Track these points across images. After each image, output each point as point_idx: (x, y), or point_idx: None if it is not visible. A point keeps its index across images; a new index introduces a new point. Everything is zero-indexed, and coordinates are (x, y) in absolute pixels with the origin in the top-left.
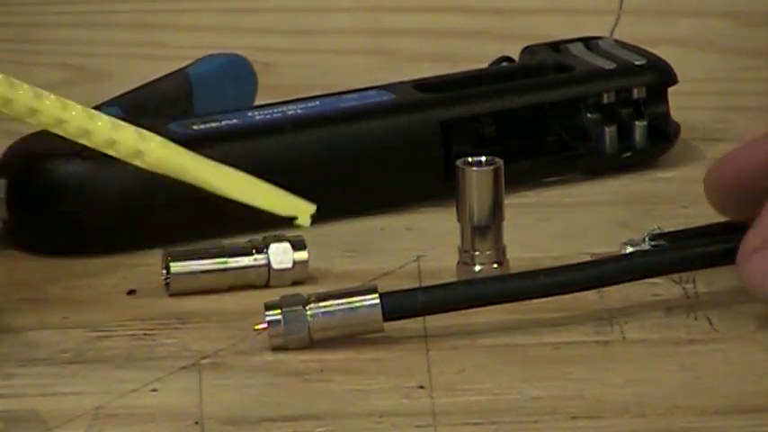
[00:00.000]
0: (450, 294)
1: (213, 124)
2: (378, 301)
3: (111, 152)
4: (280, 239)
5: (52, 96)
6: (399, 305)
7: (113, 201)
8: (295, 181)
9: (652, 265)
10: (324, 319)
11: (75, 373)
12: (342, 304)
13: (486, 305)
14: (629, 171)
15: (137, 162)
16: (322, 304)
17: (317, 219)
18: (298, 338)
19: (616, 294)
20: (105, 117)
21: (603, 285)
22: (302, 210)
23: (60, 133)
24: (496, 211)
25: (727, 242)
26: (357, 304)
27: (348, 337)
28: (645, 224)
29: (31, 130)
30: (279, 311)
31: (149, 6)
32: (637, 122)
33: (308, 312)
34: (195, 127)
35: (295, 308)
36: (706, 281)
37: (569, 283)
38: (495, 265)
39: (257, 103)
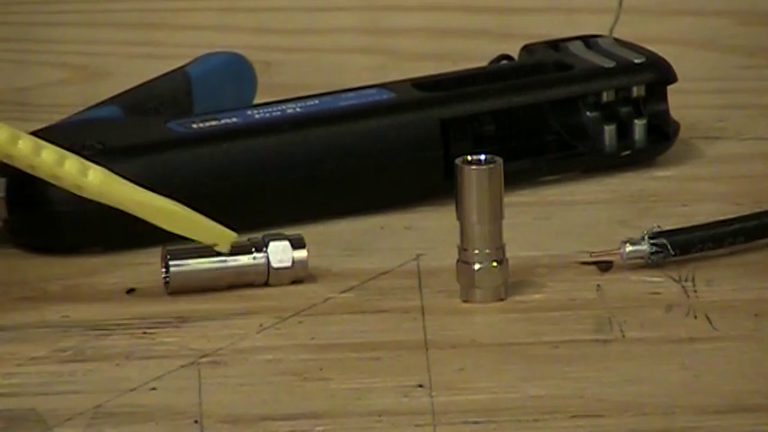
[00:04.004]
0: None
1: (213, 123)
2: None
3: (55, 182)
4: (279, 238)
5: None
6: None
7: None
8: (294, 179)
9: None
10: None
11: (75, 372)
12: None
13: None
14: (628, 169)
15: (80, 193)
16: None
17: (316, 218)
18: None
19: (615, 293)
20: (52, 148)
21: None
22: (224, 236)
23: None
24: (496, 209)
25: None
26: None
27: None
28: (644, 222)
29: (30, 129)
30: None
31: (149, 5)
32: (636, 121)
33: None
34: (195, 125)
35: None
36: (705, 279)
37: None
38: (495, 264)
39: (256, 101)
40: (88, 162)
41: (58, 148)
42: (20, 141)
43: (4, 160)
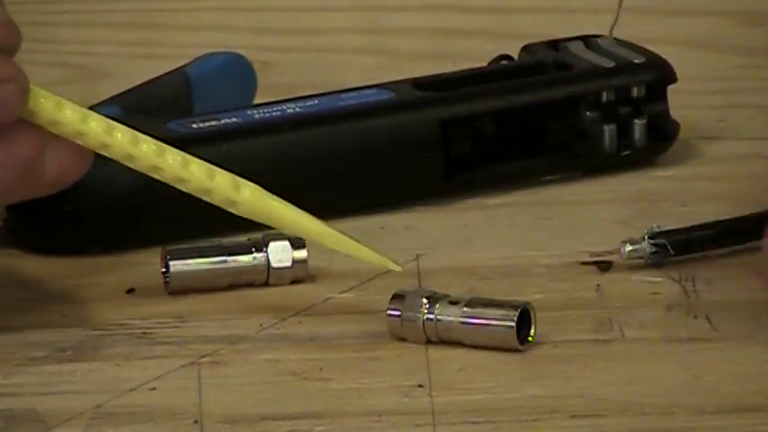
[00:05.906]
0: None
1: (212, 123)
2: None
3: (206, 198)
4: (279, 238)
5: (145, 141)
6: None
7: (112, 199)
8: (294, 179)
9: None
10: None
11: (75, 372)
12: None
13: None
14: (628, 169)
15: (231, 210)
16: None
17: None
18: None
19: (615, 293)
20: (200, 163)
21: None
22: (381, 263)
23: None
24: None
25: None
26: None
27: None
28: (644, 222)
29: None
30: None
31: (148, 5)
32: (636, 121)
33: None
34: (195, 126)
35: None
36: (706, 279)
37: None
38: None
39: (256, 101)
40: (240, 178)
41: (207, 164)
42: (167, 154)
43: (134, 166)
